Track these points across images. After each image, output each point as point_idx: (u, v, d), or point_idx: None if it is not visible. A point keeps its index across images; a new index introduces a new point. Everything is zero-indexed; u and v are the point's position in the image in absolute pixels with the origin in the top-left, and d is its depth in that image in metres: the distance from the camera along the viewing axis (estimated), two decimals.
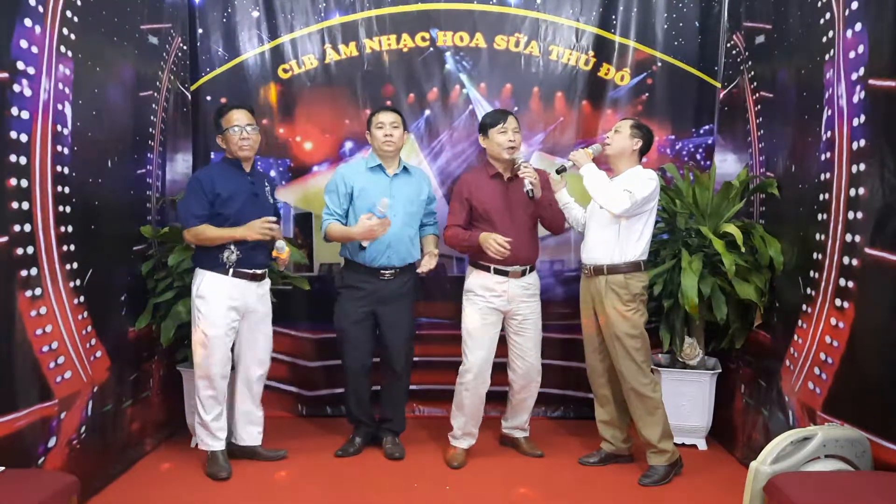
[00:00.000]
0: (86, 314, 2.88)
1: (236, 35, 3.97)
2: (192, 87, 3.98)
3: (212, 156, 4.00)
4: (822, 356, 2.72)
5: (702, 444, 3.62)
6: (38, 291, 2.54)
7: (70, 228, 2.75)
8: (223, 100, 3.92)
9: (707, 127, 4.02)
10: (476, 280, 3.31)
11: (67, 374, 2.73)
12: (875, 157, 2.44)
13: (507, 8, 3.97)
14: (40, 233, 2.55)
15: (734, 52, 3.81)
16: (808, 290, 2.89)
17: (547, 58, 3.98)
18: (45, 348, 2.59)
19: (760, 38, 3.49)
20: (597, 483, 3.17)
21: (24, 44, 2.43)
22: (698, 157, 4.02)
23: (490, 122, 3.29)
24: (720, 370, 3.57)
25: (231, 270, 3.13)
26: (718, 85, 3.97)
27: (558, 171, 3.26)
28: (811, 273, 2.87)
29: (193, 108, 3.99)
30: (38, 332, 2.55)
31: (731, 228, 3.25)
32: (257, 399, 3.38)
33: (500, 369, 3.43)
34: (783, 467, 2.27)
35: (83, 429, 2.85)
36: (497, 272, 3.27)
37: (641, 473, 3.18)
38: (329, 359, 3.99)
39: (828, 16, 2.78)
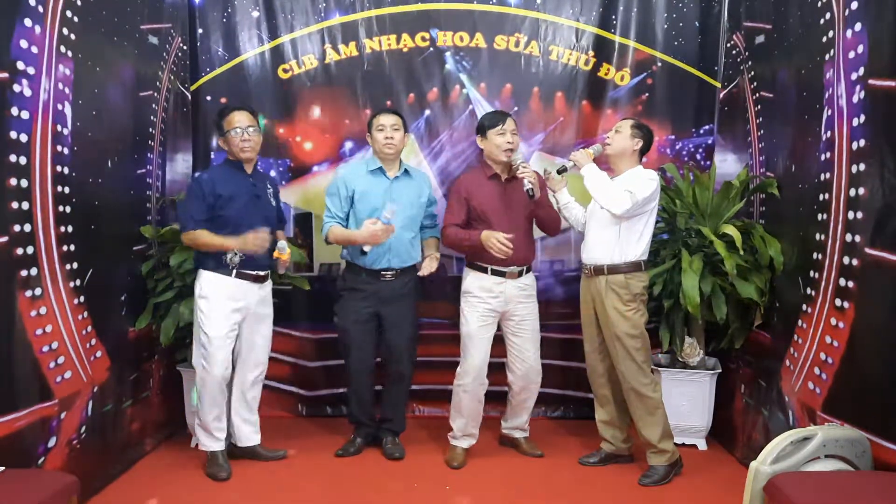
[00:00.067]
0: (86, 314, 2.88)
1: (236, 35, 3.98)
2: (192, 87, 3.98)
3: (212, 156, 4.01)
4: (822, 356, 2.72)
5: (702, 444, 3.62)
6: (38, 291, 2.54)
7: (70, 228, 2.76)
8: (223, 100, 3.93)
9: (707, 127, 4.02)
10: (474, 282, 3.31)
11: (67, 374, 2.73)
12: (875, 157, 2.44)
13: (507, 8, 3.97)
14: (40, 233, 2.55)
15: (734, 52, 3.81)
16: (808, 290, 2.89)
17: (547, 58, 3.98)
18: (45, 348, 2.59)
19: (760, 38, 3.49)
20: (597, 483, 3.17)
21: (24, 44, 2.43)
22: (698, 157, 4.02)
23: (488, 123, 3.28)
24: (720, 370, 3.58)
25: (234, 272, 3.13)
26: (718, 85, 3.97)
27: (559, 172, 3.27)
28: (811, 273, 2.87)
29: (193, 108, 3.99)
30: (38, 332, 2.55)
31: (730, 229, 3.25)
32: (255, 400, 3.38)
33: (499, 369, 3.43)
34: (783, 467, 2.27)
35: (83, 429, 2.85)
36: (494, 273, 3.27)
37: (641, 473, 3.18)
38: (329, 359, 3.99)
39: (828, 16, 2.78)
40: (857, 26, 2.56)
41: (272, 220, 3.29)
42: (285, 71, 4.00)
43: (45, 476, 2.35)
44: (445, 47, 3.98)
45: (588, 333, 3.31)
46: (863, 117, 2.52)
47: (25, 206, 2.47)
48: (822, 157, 2.81)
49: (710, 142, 4.02)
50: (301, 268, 3.94)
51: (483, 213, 3.26)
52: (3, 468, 2.15)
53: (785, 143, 3.24)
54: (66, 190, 2.73)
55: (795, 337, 2.97)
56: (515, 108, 3.96)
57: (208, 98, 3.99)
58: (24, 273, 2.47)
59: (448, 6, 3.96)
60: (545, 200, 3.32)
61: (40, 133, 2.54)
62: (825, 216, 2.76)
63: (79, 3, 2.78)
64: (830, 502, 2.03)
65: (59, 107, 2.67)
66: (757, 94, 3.52)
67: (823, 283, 2.75)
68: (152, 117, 3.51)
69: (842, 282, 2.61)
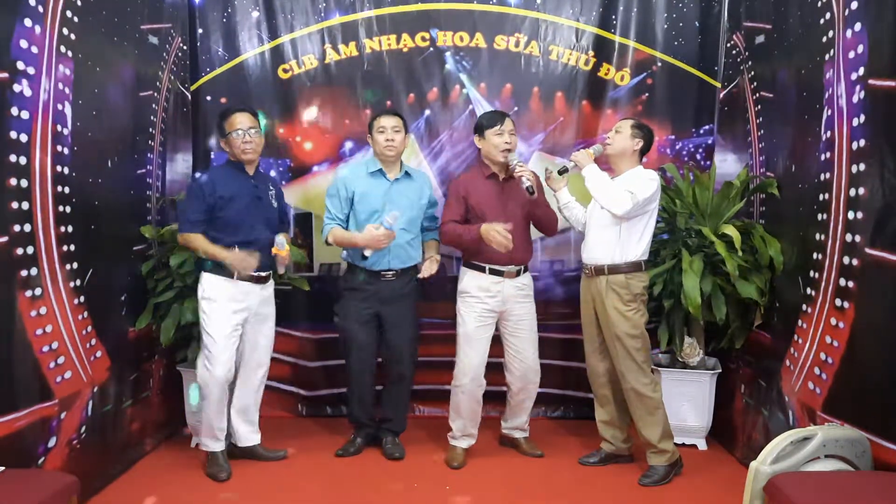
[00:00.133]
0: (86, 314, 2.88)
1: (236, 35, 3.98)
2: (192, 87, 3.98)
3: (212, 156, 4.01)
4: (822, 356, 2.72)
5: (702, 444, 3.62)
6: (38, 291, 2.54)
7: (70, 228, 2.76)
8: (223, 100, 3.93)
9: (707, 127, 4.02)
10: (471, 281, 3.31)
11: (67, 374, 2.73)
12: (875, 157, 2.44)
13: (507, 8, 3.97)
14: (40, 233, 2.55)
15: (734, 52, 3.81)
16: (808, 290, 2.89)
17: (547, 58, 3.98)
18: (45, 348, 2.59)
19: (760, 38, 3.49)
20: (597, 483, 3.17)
21: (24, 44, 2.43)
22: (698, 157, 4.02)
23: (487, 123, 3.28)
24: (720, 370, 3.57)
25: (235, 273, 3.14)
26: (718, 85, 3.97)
27: (560, 173, 3.27)
28: (811, 273, 2.87)
29: (193, 108, 3.99)
30: (38, 332, 2.55)
31: (730, 230, 3.25)
32: (256, 401, 3.38)
33: (499, 369, 3.43)
34: (783, 467, 2.28)
35: (83, 429, 2.85)
36: (492, 272, 3.27)
37: (641, 473, 3.18)
38: (329, 359, 3.99)
39: (828, 16, 2.78)
40: (857, 26, 2.56)
41: (273, 221, 3.29)
42: (285, 71, 4.00)
43: (45, 476, 2.35)
44: (445, 47, 3.98)
45: (588, 333, 3.31)
46: (863, 117, 2.52)
47: (25, 206, 2.47)
48: (822, 157, 2.81)
49: (710, 142, 4.02)
50: (301, 268, 3.94)
51: (481, 211, 3.26)
52: (3, 468, 2.15)
53: (785, 142, 3.24)
54: (66, 190, 2.73)
55: (795, 337, 2.97)
56: (515, 109, 3.96)
57: (208, 98, 3.99)
58: (24, 273, 2.47)
59: (448, 6, 3.96)
60: (542, 200, 3.32)
61: (40, 133, 2.54)
62: (825, 216, 2.76)
63: (79, 3, 2.78)
64: (830, 502, 2.03)
65: (59, 107, 2.67)
66: (757, 94, 3.52)
67: (823, 283, 2.75)
68: (152, 117, 3.51)
69: (842, 282, 2.61)
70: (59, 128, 2.67)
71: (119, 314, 3.23)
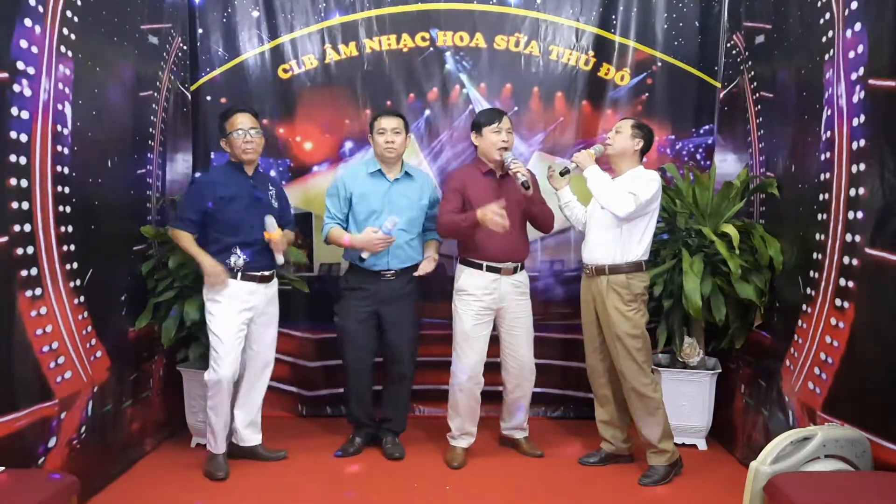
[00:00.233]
0: (86, 314, 2.88)
1: (236, 35, 3.97)
2: (192, 87, 3.98)
3: (212, 156, 4.00)
4: (822, 356, 2.72)
5: (702, 444, 3.62)
6: (38, 291, 2.54)
7: (70, 228, 2.76)
8: (223, 100, 3.93)
9: (707, 127, 4.02)
10: (468, 279, 3.31)
11: (67, 374, 2.73)
12: (875, 157, 2.44)
13: (507, 8, 3.97)
14: (40, 233, 2.55)
15: (734, 52, 3.81)
16: (808, 290, 2.89)
17: (547, 58, 3.98)
18: (45, 348, 2.59)
19: (760, 38, 3.49)
20: (597, 483, 3.17)
21: (24, 44, 2.43)
22: (698, 157, 4.02)
23: (485, 120, 3.29)
24: (720, 370, 3.57)
25: (239, 274, 3.14)
26: (718, 85, 3.97)
27: (562, 174, 3.27)
28: (811, 273, 2.87)
29: (193, 108, 3.99)
30: (38, 332, 2.55)
31: (729, 229, 3.25)
32: (259, 400, 3.39)
33: (498, 369, 3.43)
34: (783, 467, 2.27)
35: (83, 429, 2.85)
36: (489, 270, 3.27)
37: (641, 473, 3.18)
38: (329, 359, 3.99)
39: (827, 16, 2.78)
40: (857, 26, 2.56)
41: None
42: (285, 71, 4.00)
43: (45, 476, 2.34)
44: (445, 47, 3.98)
45: (588, 333, 3.31)
46: (863, 117, 2.52)
47: (25, 206, 2.47)
48: (822, 157, 2.81)
49: (710, 142, 4.02)
50: (301, 268, 3.94)
51: (478, 207, 3.25)
52: (3, 468, 2.15)
53: (785, 143, 3.24)
54: (66, 190, 2.73)
55: (795, 337, 2.97)
56: (515, 108, 3.96)
57: (208, 98, 3.99)
58: (24, 273, 2.47)
59: (448, 6, 3.96)
60: (538, 197, 3.33)
61: (40, 133, 2.54)
62: (825, 216, 2.76)
63: (79, 3, 2.78)
64: (830, 502, 2.03)
65: (59, 107, 2.67)
66: (757, 94, 3.52)
67: (823, 283, 2.75)
68: (152, 117, 3.51)
69: (842, 282, 2.61)
70: (59, 128, 2.67)
71: (119, 314, 3.23)
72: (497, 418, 3.63)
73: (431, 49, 3.98)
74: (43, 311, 2.58)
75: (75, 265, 2.80)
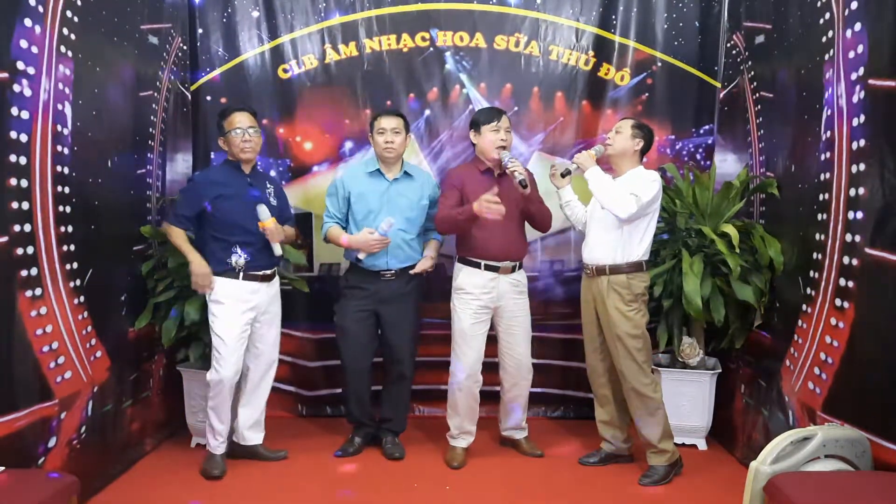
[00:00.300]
0: (86, 314, 2.88)
1: (236, 35, 3.97)
2: (192, 87, 3.98)
3: (212, 156, 4.00)
4: (822, 356, 2.72)
5: (702, 444, 3.62)
6: (38, 291, 2.54)
7: (70, 228, 2.75)
8: (223, 100, 3.93)
9: (707, 127, 4.02)
10: (466, 278, 3.31)
11: (67, 374, 2.73)
12: (875, 157, 2.44)
13: (507, 8, 3.97)
14: (40, 233, 2.55)
15: (734, 52, 3.81)
16: (808, 290, 2.89)
17: (547, 58, 3.98)
18: (45, 348, 2.59)
19: (760, 38, 3.49)
20: (597, 483, 3.17)
21: (24, 44, 2.43)
22: (698, 157, 4.02)
23: (483, 119, 3.29)
24: (720, 370, 3.57)
25: (241, 274, 3.14)
26: (718, 85, 3.97)
27: (563, 175, 3.27)
28: (811, 273, 2.87)
29: (193, 108, 3.99)
30: (38, 332, 2.55)
31: (729, 229, 3.25)
32: (264, 399, 3.39)
33: (496, 369, 3.43)
34: (783, 467, 2.27)
35: (83, 429, 2.85)
36: (488, 269, 3.27)
37: (641, 473, 3.18)
38: (329, 359, 3.99)
39: (827, 16, 2.78)
40: (857, 26, 2.56)
41: None
42: (285, 71, 4.00)
43: (45, 476, 2.34)
44: (445, 47, 3.98)
45: (589, 333, 3.31)
46: (863, 117, 2.52)
47: (25, 206, 2.47)
48: (822, 157, 2.81)
49: (710, 142, 4.02)
50: (301, 268, 3.94)
51: None
52: (2, 468, 2.15)
53: (785, 143, 3.24)
54: (66, 190, 2.73)
55: (795, 337, 2.97)
56: (515, 108, 3.96)
57: (208, 98, 3.99)
58: (24, 273, 2.47)
59: (448, 6, 3.96)
60: (536, 196, 3.33)
61: (40, 133, 2.54)
62: (825, 216, 2.76)
63: (79, 3, 2.78)
64: (830, 502, 2.03)
65: (59, 107, 2.67)
66: (757, 94, 3.52)
67: (823, 283, 2.75)
68: (152, 117, 3.51)
69: (842, 282, 2.61)
70: (59, 128, 2.67)
71: (119, 314, 3.23)
72: (496, 418, 3.62)
73: (431, 49, 3.98)
74: (43, 311, 2.58)
75: (75, 265, 2.80)
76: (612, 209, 3.03)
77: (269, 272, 3.25)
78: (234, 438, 3.36)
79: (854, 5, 2.59)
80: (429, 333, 3.80)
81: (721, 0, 3.92)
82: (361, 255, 3.28)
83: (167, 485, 3.10)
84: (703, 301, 3.31)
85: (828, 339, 2.69)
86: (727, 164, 3.84)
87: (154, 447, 3.52)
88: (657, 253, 3.52)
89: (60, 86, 2.67)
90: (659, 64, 3.98)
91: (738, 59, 3.74)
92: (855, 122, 2.56)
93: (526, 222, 3.40)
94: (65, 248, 2.72)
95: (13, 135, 2.40)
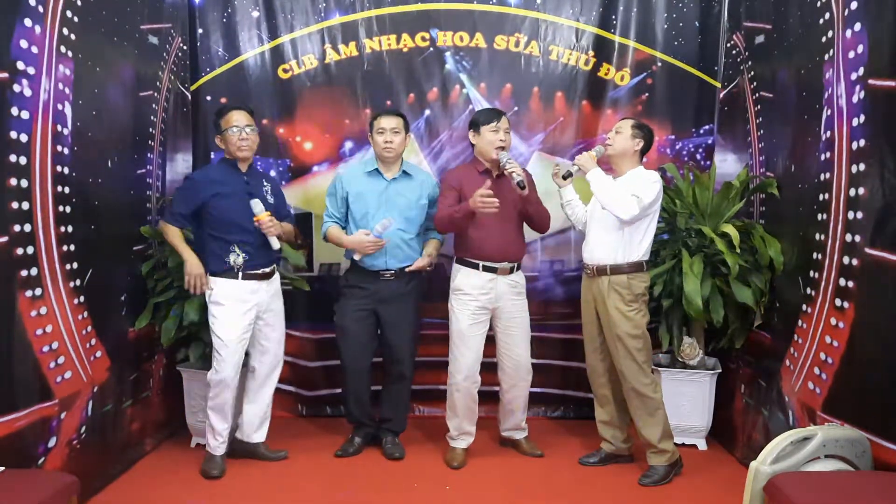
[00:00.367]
0: (86, 314, 2.88)
1: (236, 35, 3.97)
2: (192, 87, 3.98)
3: (212, 156, 4.00)
4: (822, 356, 2.72)
5: (702, 444, 3.62)
6: (38, 291, 2.54)
7: (70, 228, 2.75)
8: (223, 100, 3.93)
9: (707, 127, 4.02)
10: (464, 279, 3.31)
11: (67, 374, 2.73)
12: (875, 157, 2.44)
13: (507, 8, 3.97)
14: (40, 233, 2.55)
15: (734, 52, 3.81)
16: (808, 290, 2.89)
17: (547, 58, 3.98)
18: (45, 348, 2.59)
19: (760, 38, 3.49)
20: (597, 483, 3.17)
21: (24, 44, 2.43)
22: (698, 157, 4.02)
23: (483, 119, 3.29)
24: (720, 370, 3.57)
25: (240, 273, 3.14)
26: (718, 85, 3.97)
27: (564, 177, 3.27)
28: (811, 273, 2.87)
29: (193, 108, 3.99)
30: (38, 332, 2.55)
31: (729, 229, 3.25)
32: (269, 396, 3.40)
33: (496, 369, 3.43)
34: (783, 467, 2.27)
35: (83, 429, 2.85)
36: (486, 269, 3.27)
37: (641, 473, 3.18)
38: (329, 359, 3.99)
39: (827, 16, 2.78)
40: (857, 26, 2.56)
41: None
42: (285, 71, 4.00)
43: (45, 476, 2.35)
44: (445, 47, 3.98)
45: (589, 333, 3.31)
46: (863, 117, 2.52)
47: (25, 206, 2.47)
48: (822, 157, 2.81)
49: (710, 142, 4.02)
50: (301, 268, 3.94)
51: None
52: (2, 468, 2.15)
53: (785, 143, 3.24)
54: (66, 190, 2.73)
55: (795, 337, 2.97)
56: (515, 108, 3.96)
57: (208, 98, 3.99)
58: (24, 273, 2.47)
59: (448, 6, 3.96)
60: (534, 197, 3.33)
61: (40, 133, 2.54)
62: (825, 216, 2.76)
63: (79, 3, 2.78)
64: (830, 502, 2.03)
65: (59, 107, 2.67)
66: (757, 94, 3.52)
67: (823, 283, 2.75)
68: (152, 117, 3.51)
69: (842, 282, 2.61)
70: (59, 128, 2.67)
71: (119, 314, 3.23)
72: (496, 418, 3.62)
73: (431, 49, 3.98)
74: (43, 311, 2.58)
75: (75, 265, 2.80)
76: (614, 211, 3.03)
77: (267, 270, 3.25)
78: (237, 436, 3.36)
79: (854, 5, 2.59)
80: (428, 333, 3.79)
81: (721, 0, 3.92)
82: (357, 256, 3.28)
83: (167, 485, 3.10)
84: (703, 301, 3.31)
85: (828, 339, 2.69)
86: (727, 164, 3.84)
87: (154, 447, 3.52)
88: (657, 253, 3.52)
89: (60, 86, 2.67)
90: (659, 64, 3.98)
91: (738, 59, 3.74)
92: (855, 122, 2.56)
93: (524, 223, 3.40)
94: (65, 248, 2.72)
95: (13, 135, 2.40)
